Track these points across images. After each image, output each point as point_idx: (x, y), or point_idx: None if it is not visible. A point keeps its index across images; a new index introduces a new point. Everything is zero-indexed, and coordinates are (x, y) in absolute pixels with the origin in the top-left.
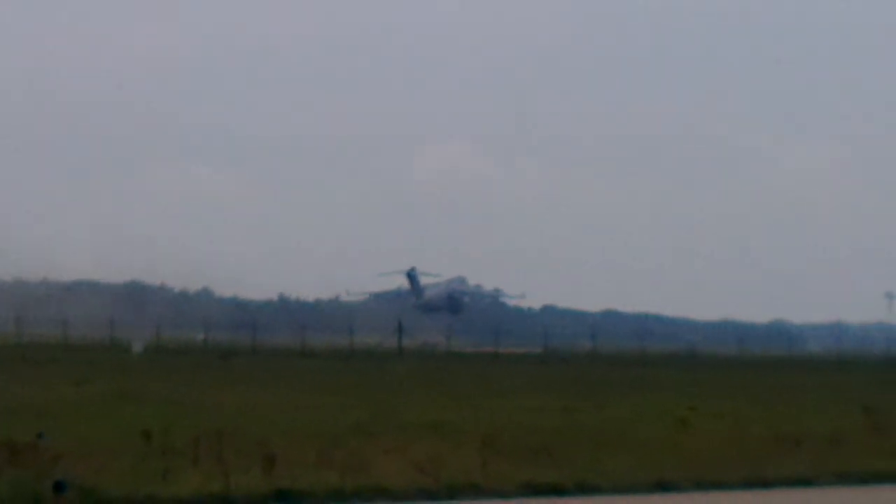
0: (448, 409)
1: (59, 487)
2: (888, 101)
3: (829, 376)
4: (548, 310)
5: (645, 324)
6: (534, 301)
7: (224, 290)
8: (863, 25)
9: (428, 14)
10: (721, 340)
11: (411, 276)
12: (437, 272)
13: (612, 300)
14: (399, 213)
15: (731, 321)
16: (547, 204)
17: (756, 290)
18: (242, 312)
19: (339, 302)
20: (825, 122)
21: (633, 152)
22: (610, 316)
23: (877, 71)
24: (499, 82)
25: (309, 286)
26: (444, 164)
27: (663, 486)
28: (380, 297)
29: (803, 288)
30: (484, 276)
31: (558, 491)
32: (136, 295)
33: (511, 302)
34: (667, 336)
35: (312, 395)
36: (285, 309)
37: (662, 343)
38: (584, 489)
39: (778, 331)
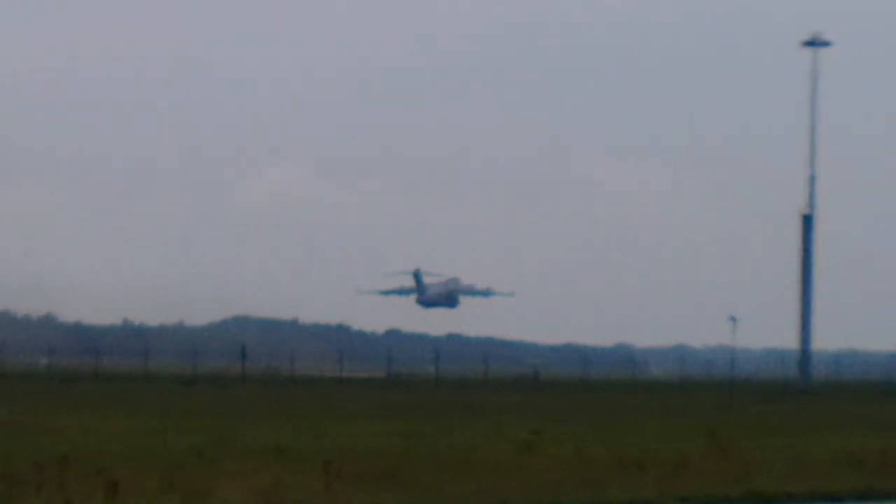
0: (291, 434)
1: None
2: (731, 125)
3: (673, 400)
4: (392, 333)
5: (488, 347)
6: (377, 325)
7: (67, 314)
8: (690, 46)
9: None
10: (564, 364)
11: (417, 276)
12: (438, 273)
13: (454, 324)
14: (233, 235)
15: (574, 345)
16: (385, 224)
17: (599, 314)
18: (86, 337)
19: (184, 327)
20: (667, 145)
21: (469, 175)
22: (453, 340)
23: (717, 89)
24: (335, 100)
25: (152, 311)
26: (276, 186)
27: None
28: (387, 294)
29: (646, 312)
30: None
31: None
32: None
33: (501, 299)
34: (510, 360)
35: (155, 421)
36: (129, 333)
37: (506, 367)
38: None
39: (621, 354)
